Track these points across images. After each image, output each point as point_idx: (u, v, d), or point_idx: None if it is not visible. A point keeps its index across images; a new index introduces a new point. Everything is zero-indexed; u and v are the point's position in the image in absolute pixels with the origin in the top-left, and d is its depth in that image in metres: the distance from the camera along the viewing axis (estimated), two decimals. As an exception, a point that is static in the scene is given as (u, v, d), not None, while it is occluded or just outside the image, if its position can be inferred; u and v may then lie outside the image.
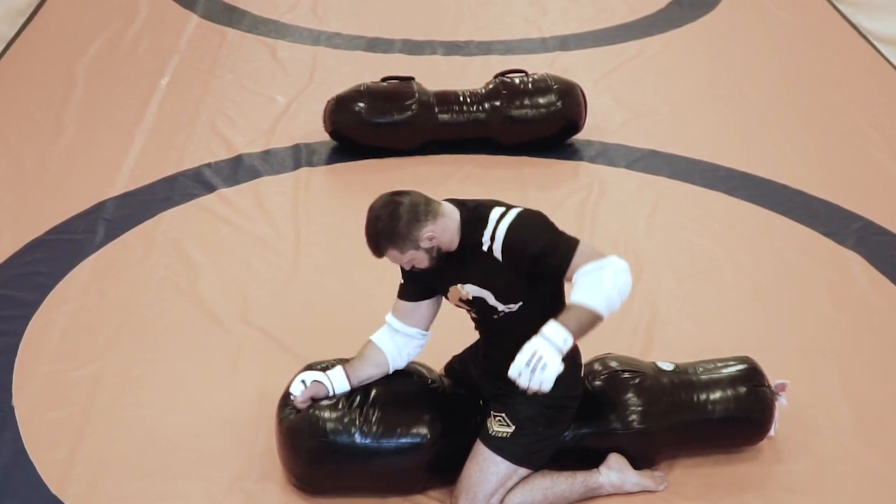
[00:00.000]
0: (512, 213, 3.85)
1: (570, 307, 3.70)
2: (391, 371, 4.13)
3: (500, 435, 4.00)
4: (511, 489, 4.03)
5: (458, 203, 3.93)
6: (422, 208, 3.82)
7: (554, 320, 3.68)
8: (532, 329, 3.68)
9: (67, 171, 6.24)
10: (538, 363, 3.60)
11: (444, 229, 3.85)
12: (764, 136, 6.83)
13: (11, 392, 4.63)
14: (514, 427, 3.99)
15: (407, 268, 3.95)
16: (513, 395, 3.91)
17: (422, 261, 3.88)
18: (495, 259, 3.83)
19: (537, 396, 3.69)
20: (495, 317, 3.96)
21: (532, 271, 3.83)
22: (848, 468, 4.39)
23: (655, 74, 7.62)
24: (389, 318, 4.11)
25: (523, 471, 4.03)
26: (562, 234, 3.84)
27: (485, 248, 3.84)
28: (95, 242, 5.60)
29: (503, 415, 4.01)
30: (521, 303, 3.89)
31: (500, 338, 3.99)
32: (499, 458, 3.99)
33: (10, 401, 4.58)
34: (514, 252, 3.81)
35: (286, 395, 4.12)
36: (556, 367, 3.61)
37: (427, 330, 4.11)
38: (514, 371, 3.63)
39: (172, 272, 5.42)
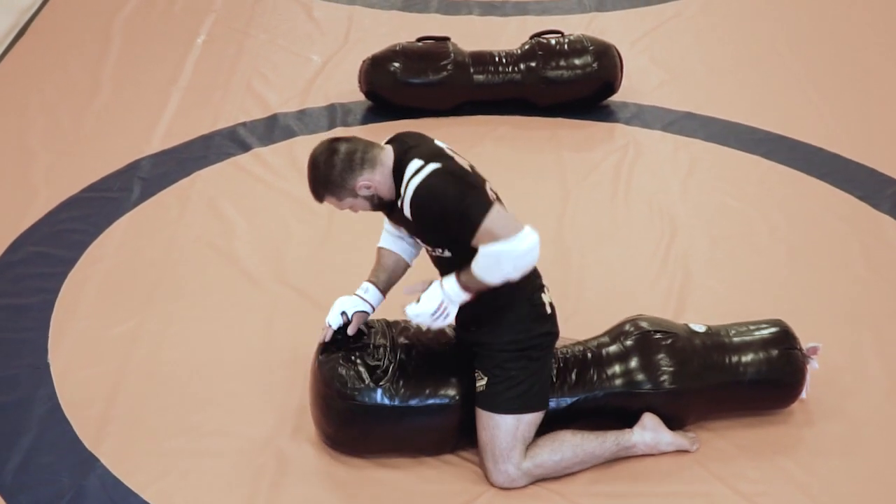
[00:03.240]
0: (423, 173, 3.80)
1: (470, 273, 3.79)
2: (412, 264, 4.23)
3: (480, 390, 4.02)
4: (537, 443, 4.05)
5: (398, 147, 3.91)
6: (358, 156, 3.84)
7: (456, 281, 3.82)
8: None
9: (103, 129, 6.27)
10: (442, 315, 3.86)
11: (383, 178, 3.87)
12: (801, 98, 6.79)
13: (47, 349, 4.67)
14: (486, 378, 4.00)
15: (353, 211, 4.01)
16: (477, 345, 4.02)
17: (361, 207, 3.94)
18: (406, 215, 3.87)
19: (495, 345, 3.96)
20: (435, 257, 4.01)
21: (438, 233, 3.87)
22: (880, 431, 4.38)
23: (692, 36, 7.58)
24: (386, 224, 4.18)
25: (528, 417, 4.01)
26: (471, 200, 3.77)
27: (398, 202, 3.87)
28: (131, 200, 5.63)
29: (477, 370, 4.04)
30: (448, 251, 3.91)
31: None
32: (491, 413, 3.99)
33: (45, 357, 4.62)
34: (418, 215, 3.84)
35: (318, 355, 4.15)
36: (452, 316, 3.88)
37: None
38: (412, 313, 3.88)
39: (207, 231, 5.44)
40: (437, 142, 4.02)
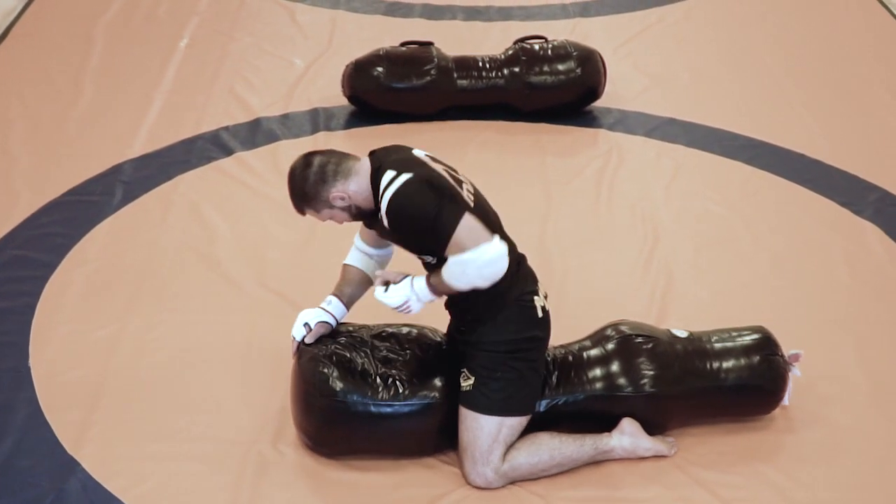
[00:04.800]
0: (396, 183, 3.85)
1: (440, 278, 3.90)
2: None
3: (465, 389, 4.04)
4: (515, 446, 4.06)
5: (374, 159, 3.97)
6: (330, 168, 3.93)
7: (426, 283, 3.94)
8: None
9: (86, 133, 6.26)
10: (405, 309, 3.99)
11: (359, 189, 3.93)
12: (783, 105, 6.81)
13: (28, 352, 4.65)
14: (473, 378, 4.02)
15: (337, 223, 4.08)
16: (465, 345, 4.06)
17: (341, 218, 4.02)
18: (385, 225, 3.94)
19: (484, 345, 4.01)
20: (424, 263, 4.07)
21: (417, 243, 3.96)
22: (861, 439, 4.39)
23: (676, 42, 7.59)
24: (357, 240, 4.27)
25: (510, 421, 4.03)
26: (441, 211, 3.83)
27: (378, 214, 3.93)
28: (113, 204, 5.62)
29: (464, 370, 4.06)
30: (432, 258, 3.98)
31: None
32: (475, 413, 4.01)
33: (26, 361, 4.61)
34: (395, 225, 3.91)
35: (298, 353, 4.18)
36: (416, 311, 4.01)
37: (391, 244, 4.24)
38: (379, 297, 4.00)
39: (190, 235, 5.43)
40: (414, 151, 4.05)
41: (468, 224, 3.83)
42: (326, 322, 4.19)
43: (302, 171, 3.96)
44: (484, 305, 3.99)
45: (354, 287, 4.27)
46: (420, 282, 3.96)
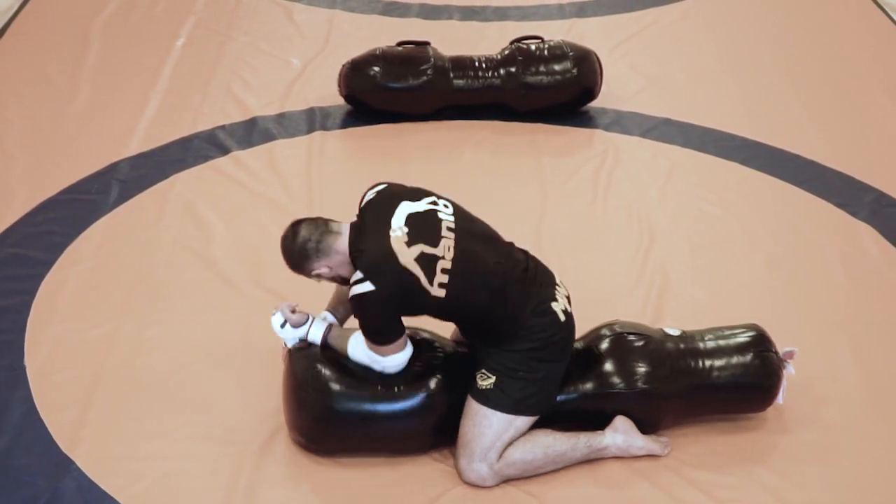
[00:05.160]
0: (359, 288, 3.94)
1: (341, 341, 4.15)
2: None
3: (483, 387, 4.05)
4: (511, 444, 4.07)
5: (353, 235, 4.06)
6: (311, 246, 4.04)
7: (323, 336, 4.20)
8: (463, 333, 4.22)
9: (82, 132, 6.25)
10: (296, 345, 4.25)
11: (341, 263, 4.05)
12: (779, 106, 6.81)
13: (24, 351, 4.65)
14: (494, 377, 4.04)
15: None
16: (484, 349, 4.09)
17: (332, 280, 4.16)
18: None
19: (507, 350, 4.05)
20: None
21: None
22: (855, 439, 4.40)
23: (672, 42, 7.59)
24: None
25: (519, 422, 4.05)
26: (381, 330, 4.03)
27: None
28: (109, 203, 5.61)
29: (483, 369, 4.07)
30: None
31: None
32: (489, 411, 4.02)
33: (22, 359, 4.61)
34: (353, 313, 4.09)
35: (292, 351, 4.21)
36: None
37: None
38: (275, 327, 4.25)
39: (186, 234, 5.43)
40: (392, 232, 4.01)
41: (394, 346, 4.03)
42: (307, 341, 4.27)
43: (290, 244, 4.10)
44: (496, 331, 4.06)
45: (347, 306, 4.25)
46: (318, 331, 4.20)
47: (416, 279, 3.94)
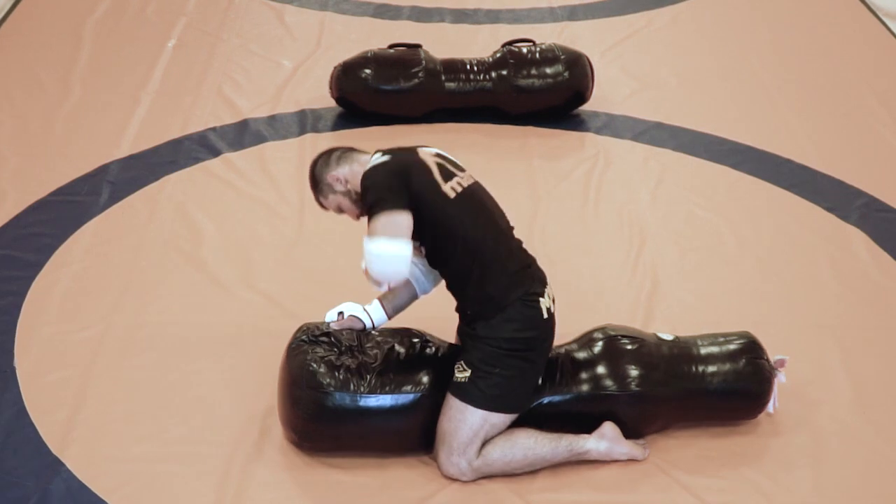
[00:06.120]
0: (373, 161, 4.10)
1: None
2: (420, 296, 4.36)
3: (459, 380, 4.06)
4: (492, 441, 4.08)
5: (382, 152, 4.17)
6: (335, 155, 4.19)
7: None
8: (451, 275, 4.13)
9: (72, 133, 6.25)
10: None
11: (353, 175, 4.12)
12: (770, 110, 6.83)
13: (13, 353, 4.64)
14: (470, 371, 4.05)
15: (340, 214, 4.26)
16: (468, 338, 4.10)
17: (348, 208, 4.19)
18: None
19: (485, 340, 4.03)
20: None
21: None
22: (846, 444, 4.41)
23: (663, 46, 7.61)
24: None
25: (496, 418, 4.05)
26: (382, 195, 3.96)
27: None
28: (100, 204, 5.61)
29: (461, 361, 4.08)
30: (419, 242, 4.09)
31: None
32: (463, 405, 4.03)
33: (11, 361, 4.60)
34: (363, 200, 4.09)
35: (288, 347, 4.20)
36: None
37: None
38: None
39: (176, 235, 5.43)
40: (422, 148, 4.21)
41: (390, 217, 3.93)
42: (359, 318, 4.30)
43: (315, 160, 4.22)
44: (480, 302, 4.06)
45: (399, 296, 4.35)
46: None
47: (430, 172, 4.07)
